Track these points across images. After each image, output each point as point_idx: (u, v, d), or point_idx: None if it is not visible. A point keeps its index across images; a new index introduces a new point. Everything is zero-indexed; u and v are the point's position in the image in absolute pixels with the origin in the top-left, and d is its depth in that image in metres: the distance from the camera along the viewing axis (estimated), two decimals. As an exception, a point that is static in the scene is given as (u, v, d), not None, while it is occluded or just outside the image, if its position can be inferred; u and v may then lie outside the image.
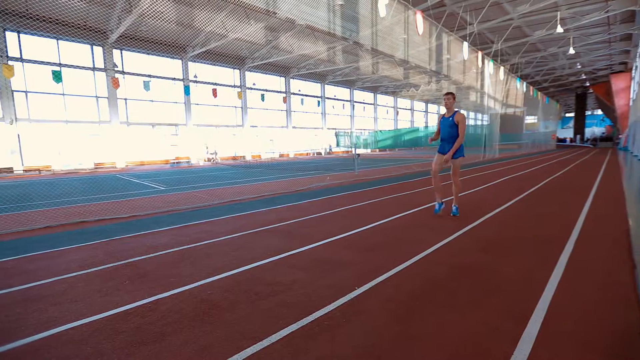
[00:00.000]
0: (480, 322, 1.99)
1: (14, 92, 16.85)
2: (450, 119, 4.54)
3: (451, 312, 2.10)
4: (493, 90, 21.15)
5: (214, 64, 23.31)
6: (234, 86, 24.58)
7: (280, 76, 27.59)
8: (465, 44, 18.89)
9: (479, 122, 43.59)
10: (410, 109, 43.03)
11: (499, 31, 22.78)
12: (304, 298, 2.33)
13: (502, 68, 22.54)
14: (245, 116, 25.42)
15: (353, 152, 32.38)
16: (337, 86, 32.71)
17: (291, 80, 28.44)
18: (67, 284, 2.67)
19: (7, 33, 16.45)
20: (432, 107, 47.15)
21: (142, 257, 3.23)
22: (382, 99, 38.74)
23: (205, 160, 22.16)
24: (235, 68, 24.51)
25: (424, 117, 45.76)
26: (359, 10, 14.34)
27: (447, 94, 4.59)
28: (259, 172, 13.46)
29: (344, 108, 33.40)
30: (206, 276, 2.72)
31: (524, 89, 26.78)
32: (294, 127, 28.98)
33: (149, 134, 20.96)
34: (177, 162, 20.67)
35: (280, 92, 27.76)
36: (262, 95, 24.58)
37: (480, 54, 20.07)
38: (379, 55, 20.70)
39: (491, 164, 14.76)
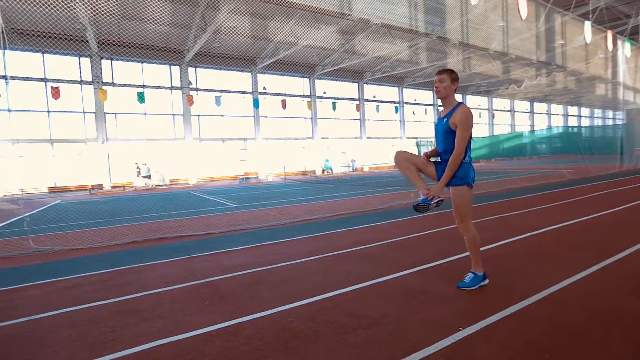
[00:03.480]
0: (648, 392, 1.65)
1: (106, 114, 20.39)
2: (445, 120, 2.86)
3: (599, 374, 1.79)
4: (632, 79, 18.22)
5: (283, 74, 24.93)
6: (304, 96, 25.86)
7: (353, 82, 28.14)
8: (587, 23, 16.80)
9: (609, 122, 37.87)
10: (510, 110, 39.65)
11: (638, 1, 19.73)
12: (397, 335, 2.24)
13: (643, 50, 19.38)
14: (316, 127, 26.41)
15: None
16: (418, 89, 31.98)
17: (365, 85, 28.78)
18: (154, 300, 3.04)
19: (103, 61, 20.14)
20: (540, 107, 42.71)
21: (221, 277, 3.52)
22: (473, 100, 36.54)
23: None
24: (304, 77, 25.84)
25: (529, 120, 41.64)
26: (444, 0, 13.97)
27: (440, 72, 2.90)
28: (332, 188, 13.73)
29: (426, 113, 32.37)
30: (285, 302, 2.82)
31: (680, 75, 22.48)
32: (368, 138, 29.05)
33: (219, 149, 23.21)
34: (245, 178, 22.34)
35: (353, 99, 28.26)
36: (334, 104, 25.31)
37: (609, 33, 17.63)
38: (469, 50, 19.72)
39: (633, 176, 12.58)
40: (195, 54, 20.26)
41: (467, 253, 3.95)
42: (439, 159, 3.07)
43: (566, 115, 46.06)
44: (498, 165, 25.90)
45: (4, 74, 17.82)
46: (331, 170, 25.85)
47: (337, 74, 25.98)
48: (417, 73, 27.78)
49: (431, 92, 32.95)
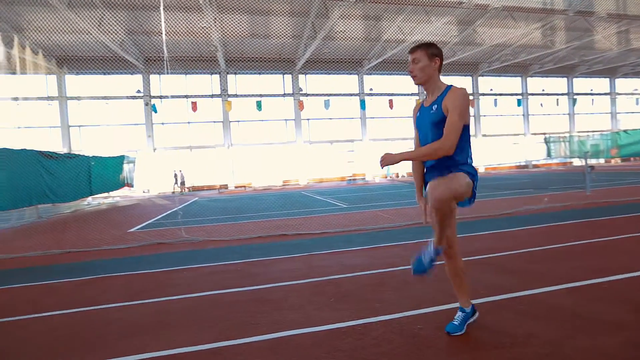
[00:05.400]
0: None
1: (230, 122, 23.22)
2: (435, 108, 2.16)
3: None
4: None
5: (390, 74, 24.60)
6: (412, 94, 25.06)
7: (466, 75, 26.12)
8: None
9: None
10: (684, 94, 31.26)
11: None
12: (552, 362, 1.94)
13: None
14: (423, 126, 25.31)
15: (573, 163, 26.29)
16: (547, 77, 27.88)
17: (480, 78, 26.40)
18: (283, 292, 3.28)
19: (228, 76, 23.02)
20: None
21: (342, 276, 3.61)
22: (626, 84, 30.05)
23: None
24: (412, 74, 25.02)
25: None
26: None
27: (413, 50, 2.18)
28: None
29: (558, 104, 27.95)
30: (412, 307, 2.72)
31: None
32: (484, 135, 26.56)
33: (327, 151, 24.17)
34: (353, 179, 22.72)
35: (466, 94, 26.20)
36: (444, 101, 23.87)
37: None
38: (624, 21, 16.20)
39: None
40: (305, 61, 21.52)
41: (633, 274, 3.23)
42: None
43: None
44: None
45: (159, 94, 21.95)
46: (393, 175, 24.56)
47: (448, 68, 24.41)
48: (546, 58, 24.19)
49: (565, 78, 28.36)
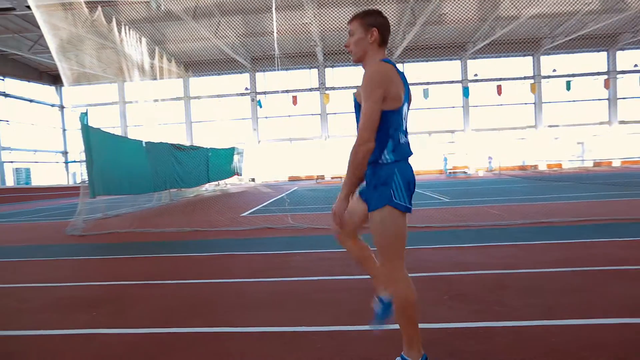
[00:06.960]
0: None
1: (327, 115, 23.85)
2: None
3: None
4: None
5: (499, 56, 22.24)
6: (525, 78, 22.25)
7: (599, 51, 22.05)
8: None
9: None
10: None
11: None
12: None
13: None
14: (540, 113, 22.33)
15: None
16: None
17: (618, 52, 22.00)
18: (391, 284, 3.25)
19: (326, 69, 23.61)
20: None
21: (453, 274, 3.41)
22: None
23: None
24: (526, 55, 22.18)
25: None
26: None
27: (351, 19, 1.79)
28: (565, 187, 11.28)
29: None
30: (541, 316, 2.42)
31: None
32: (621, 122, 22.18)
33: (424, 142, 23.10)
34: (453, 172, 21.32)
35: (598, 73, 22.14)
36: (568, 83, 20.62)
37: None
38: None
39: None
40: (403, 49, 20.77)
41: None
42: None
43: None
44: None
45: (264, 90, 23.71)
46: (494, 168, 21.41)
47: (573, 44, 20.89)
48: None
49: None
